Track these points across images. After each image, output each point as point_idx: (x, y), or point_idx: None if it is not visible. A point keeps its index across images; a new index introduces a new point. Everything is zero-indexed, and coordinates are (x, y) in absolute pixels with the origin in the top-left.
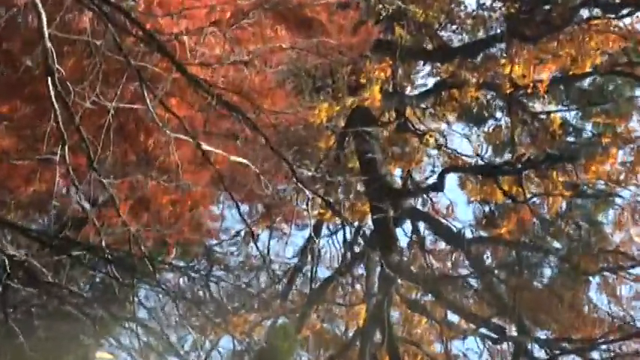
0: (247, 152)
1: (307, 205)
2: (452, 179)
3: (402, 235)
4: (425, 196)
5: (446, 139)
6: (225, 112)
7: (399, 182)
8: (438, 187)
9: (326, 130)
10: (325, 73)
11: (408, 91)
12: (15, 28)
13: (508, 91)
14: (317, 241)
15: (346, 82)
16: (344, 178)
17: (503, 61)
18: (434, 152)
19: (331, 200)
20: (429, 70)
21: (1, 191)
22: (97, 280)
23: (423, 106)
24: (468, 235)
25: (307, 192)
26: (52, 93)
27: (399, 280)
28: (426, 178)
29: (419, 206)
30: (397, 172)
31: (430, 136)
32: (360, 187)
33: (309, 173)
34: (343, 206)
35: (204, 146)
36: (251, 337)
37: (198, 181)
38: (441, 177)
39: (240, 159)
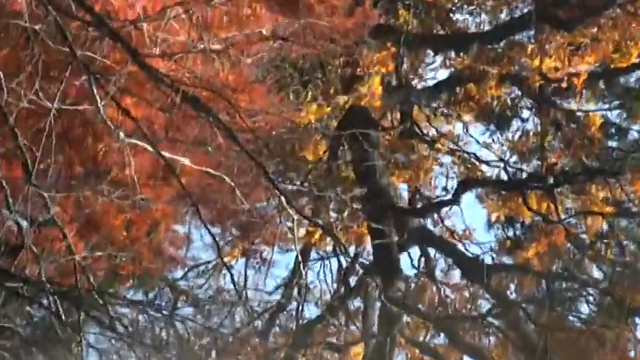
0: (219, 162)
1: (292, 226)
2: (469, 194)
3: (408, 262)
4: (436, 214)
5: (461, 146)
6: (192, 113)
7: (404, 198)
8: (452, 203)
9: (315, 135)
10: (314, 66)
11: (415, 86)
12: None
13: (537, 87)
14: (304, 269)
15: (340, 76)
16: (337, 192)
17: (531, 49)
18: (447, 161)
19: (321, 220)
20: (441, 61)
21: None
22: (37, 318)
23: (433, 105)
24: (489, 262)
25: (292, 210)
26: None
27: (405, 318)
28: (438, 194)
29: (429, 227)
30: (402, 185)
31: (442, 141)
32: (356, 204)
33: (295, 187)
34: (336, 227)
35: (167, 155)
36: None
37: (160, 197)
38: (456, 191)
39: (210, 170)
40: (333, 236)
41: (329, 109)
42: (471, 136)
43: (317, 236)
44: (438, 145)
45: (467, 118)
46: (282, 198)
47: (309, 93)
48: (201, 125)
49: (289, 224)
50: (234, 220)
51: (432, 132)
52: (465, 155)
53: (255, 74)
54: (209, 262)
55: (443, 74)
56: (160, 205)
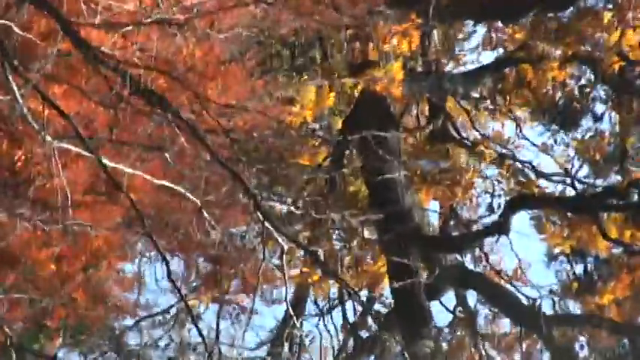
0: (182, 173)
1: (281, 260)
2: (522, 218)
3: (440, 311)
4: (478, 246)
5: (512, 152)
6: (144, 108)
7: (434, 223)
8: (500, 230)
9: (312, 137)
10: (311, 42)
11: (449, 71)
12: None
13: (616, 71)
14: (298, 320)
15: (346, 57)
16: (343, 215)
17: (607, 19)
18: (492, 173)
19: (321, 254)
20: (483, 36)
21: None
22: None
23: (473, 95)
24: (548, 309)
25: (281, 239)
26: None
27: None
28: (480, 217)
29: (467, 263)
30: (432, 206)
31: (486, 145)
32: (369, 232)
33: (285, 207)
34: (342, 263)
35: (111, 163)
36: None
37: (101, 222)
38: (505, 215)
39: (169, 184)
40: (337, 276)
41: (331, 99)
42: (526, 139)
43: (315, 275)
44: (481, 151)
45: (519, 113)
46: (267, 222)
47: (304, 79)
48: (156, 124)
49: (276, 261)
50: (201, 253)
51: (473, 133)
52: (518, 164)
53: (230, 53)
54: (168, 309)
55: (486, 55)
56: (102, 233)
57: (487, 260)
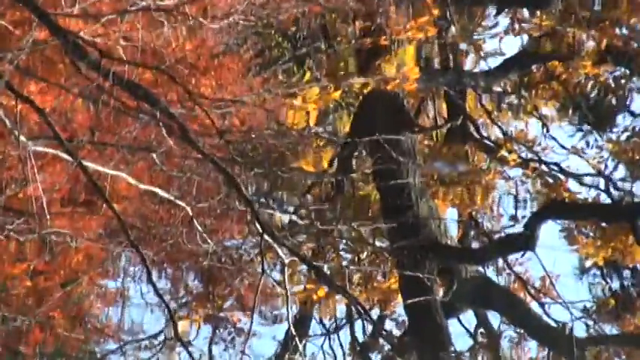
0: (171, 178)
1: (283, 275)
2: (551, 229)
3: (459, 332)
4: (501, 259)
5: (539, 153)
6: (129, 104)
7: (452, 234)
8: (526, 243)
9: (315, 137)
10: (314, 30)
11: (470, 62)
12: None
13: None
14: (301, 342)
15: (355, 48)
16: (351, 224)
17: None
18: (517, 176)
19: (327, 268)
20: (509, 21)
21: None
22: None
23: (496, 90)
24: (580, 330)
25: (282, 251)
26: None
27: None
28: (504, 227)
29: (490, 277)
30: (450, 213)
31: (510, 146)
32: (381, 242)
33: (286, 216)
34: (350, 278)
35: (92, 166)
36: None
37: (82, 232)
38: (531, 223)
39: (157, 190)
40: (345, 292)
41: (336, 93)
42: (554, 139)
43: (320, 292)
44: (504, 153)
45: (547, 110)
46: (266, 233)
47: (308, 73)
48: (143, 122)
49: (277, 275)
50: (193, 267)
51: (495, 132)
52: (545, 167)
53: (225, 45)
54: (156, 333)
55: (511, 42)
56: (82, 244)
57: (511, 273)
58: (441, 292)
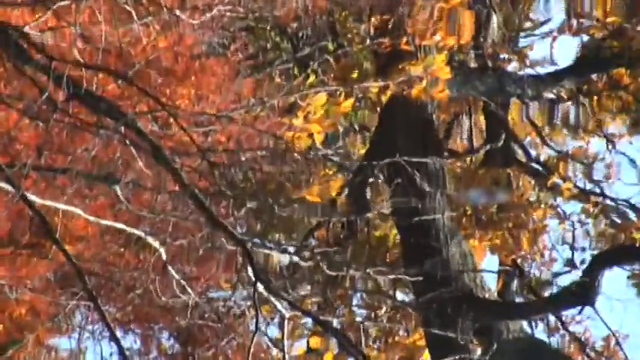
0: (139, 213)
1: (282, 333)
2: (617, 277)
3: None
4: (553, 315)
5: (601, 185)
6: (87, 119)
7: (491, 286)
8: (585, 295)
9: (323, 162)
10: (320, 28)
11: (514, 68)
12: None
13: None
14: None
15: (370, 48)
16: (365, 270)
17: None
18: (573, 210)
19: (336, 323)
20: (564, 19)
21: None
22: None
23: (546, 104)
24: None
25: (280, 303)
26: None
27: None
28: (556, 274)
29: (538, 336)
30: (488, 259)
31: (564, 173)
32: (401, 294)
33: (285, 257)
34: (366, 335)
35: (39, 200)
36: None
37: (26, 280)
38: (591, 269)
39: (122, 226)
40: (360, 352)
41: (347, 104)
42: (623, 163)
43: (329, 355)
44: (557, 180)
45: (613, 128)
46: (261, 282)
47: (312, 76)
48: (104, 142)
49: (275, 330)
50: (167, 326)
51: (546, 153)
52: (609, 201)
53: (209, 44)
54: None
55: (567, 44)
56: (27, 295)
57: (566, 331)
58: (477, 355)
